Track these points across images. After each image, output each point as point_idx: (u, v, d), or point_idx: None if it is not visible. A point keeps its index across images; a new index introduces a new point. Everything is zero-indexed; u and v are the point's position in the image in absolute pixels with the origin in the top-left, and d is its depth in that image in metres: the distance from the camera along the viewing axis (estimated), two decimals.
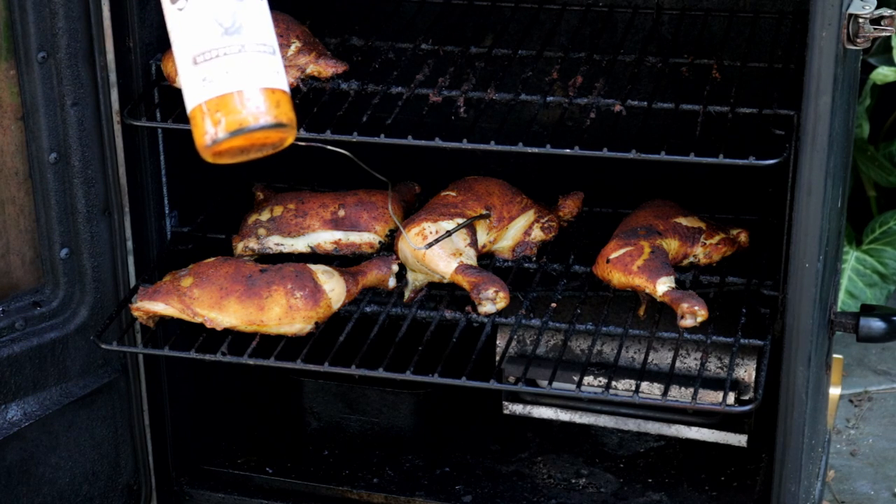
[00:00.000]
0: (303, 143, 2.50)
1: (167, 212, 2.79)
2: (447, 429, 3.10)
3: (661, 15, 2.81)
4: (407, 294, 2.67)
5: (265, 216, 2.78)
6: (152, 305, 2.59)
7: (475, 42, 2.82)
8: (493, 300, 2.54)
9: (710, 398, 2.71)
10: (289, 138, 1.96)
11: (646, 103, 2.51)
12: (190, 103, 1.93)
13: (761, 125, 2.44)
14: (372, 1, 2.95)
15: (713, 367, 2.75)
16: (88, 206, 2.64)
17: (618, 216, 2.81)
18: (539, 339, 2.63)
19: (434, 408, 3.08)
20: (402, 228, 2.64)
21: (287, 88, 1.95)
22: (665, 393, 2.48)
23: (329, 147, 2.53)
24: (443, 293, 2.66)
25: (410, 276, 2.67)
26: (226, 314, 2.56)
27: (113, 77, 2.59)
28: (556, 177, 2.95)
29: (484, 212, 2.69)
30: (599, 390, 2.59)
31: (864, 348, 3.83)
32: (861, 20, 2.25)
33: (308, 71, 2.64)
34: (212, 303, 2.56)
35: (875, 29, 2.26)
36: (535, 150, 2.44)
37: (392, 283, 2.66)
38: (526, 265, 2.74)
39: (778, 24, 2.73)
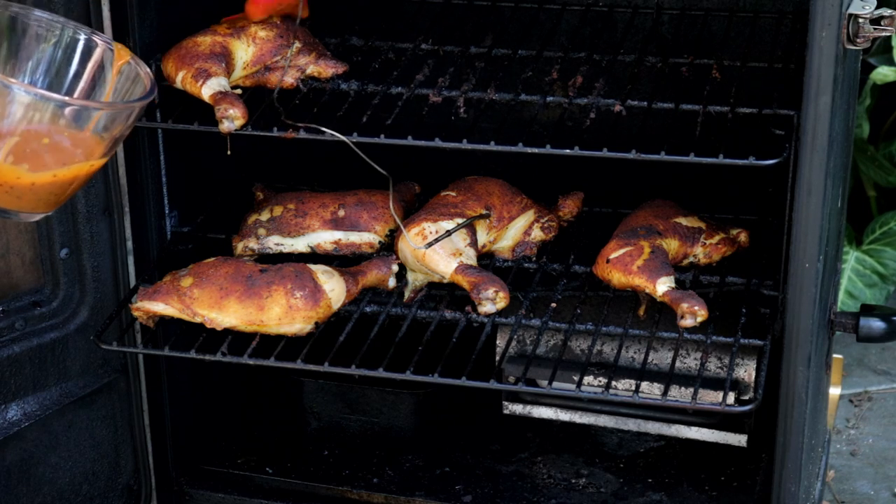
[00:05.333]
0: (304, 135, 2.50)
1: (167, 212, 2.78)
2: (447, 429, 3.10)
3: (661, 15, 2.81)
4: (407, 294, 2.67)
5: (265, 216, 2.77)
6: (152, 305, 2.59)
7: (475, 42, 2.82)
8: (493, 300, 2.54)
9: (710, 398, 2.71)
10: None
11: (646, 103, 2.51)
12: None
13: (761, 125, 2.44)
14: (372, 1, 2.95)
15: (713, 367, 2.75)
16: (88, 206, 2.63)
17: (618, 216, 2.80)
18: (539, 339, 2.62)
19: (434, 408, 3.08)
20: (402, 228, 2.64)
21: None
22: (665, 393, 2.47)
23: (328, 133, 2.51)
24: (443, 293, 2.66)
25: (410, 276, 2.67)
26: (226, 314, 2.56)
27: None
28: (556, 177, 2.95)
29: (484, 212, 2.69)
30: (599, 390, 2.59)
31: (864, 348, 3.83)
32: (861, 20, 2.25)
33: (308, 71, 2.64)
34: (212, 303, 2.56)
35: (875, 29, 2.26)
36: (535, 150, 2.44)
37: (392, 283, 2.66)
38: (526, 265, 2.74)
39: (778, 24, 2.73)
